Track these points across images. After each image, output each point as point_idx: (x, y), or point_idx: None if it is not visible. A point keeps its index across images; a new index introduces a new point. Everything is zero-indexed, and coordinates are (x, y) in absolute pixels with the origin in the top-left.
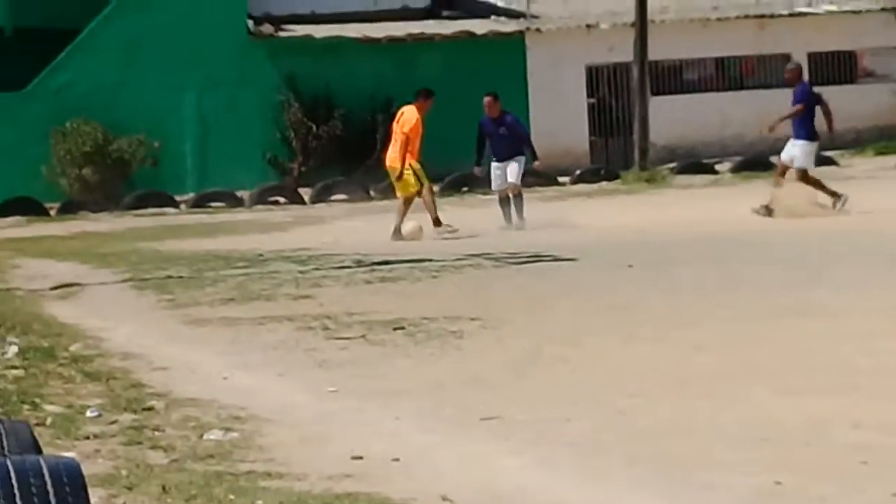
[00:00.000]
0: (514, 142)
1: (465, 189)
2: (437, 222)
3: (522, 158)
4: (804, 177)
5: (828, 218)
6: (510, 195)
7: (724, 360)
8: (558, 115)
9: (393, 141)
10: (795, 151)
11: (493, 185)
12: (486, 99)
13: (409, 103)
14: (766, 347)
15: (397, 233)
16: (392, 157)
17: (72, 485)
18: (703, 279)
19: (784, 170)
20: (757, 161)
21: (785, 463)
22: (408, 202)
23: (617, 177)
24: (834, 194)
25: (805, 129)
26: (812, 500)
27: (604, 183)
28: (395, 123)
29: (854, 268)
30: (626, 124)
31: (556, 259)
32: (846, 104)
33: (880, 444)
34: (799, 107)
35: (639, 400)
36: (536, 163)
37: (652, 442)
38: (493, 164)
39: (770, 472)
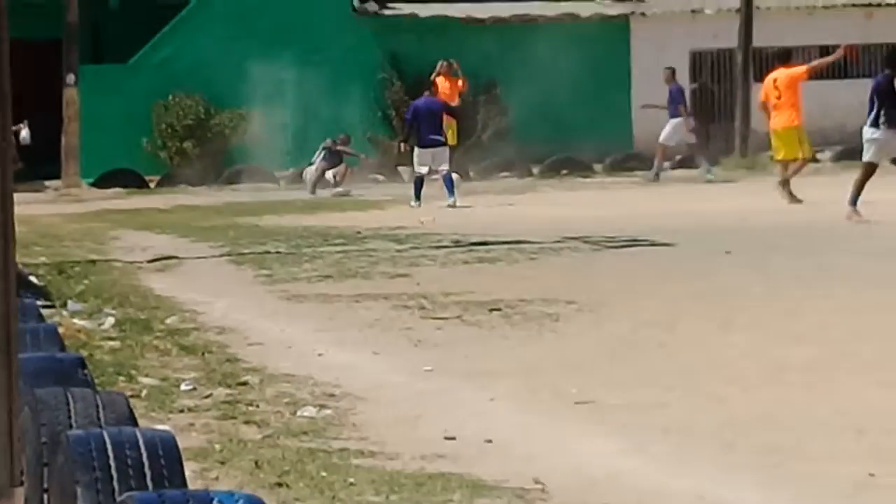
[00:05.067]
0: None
1: (564, 172)
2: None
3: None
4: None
5: None
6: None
7: (822, 350)
8: (661, 99)
9: (778, 105)
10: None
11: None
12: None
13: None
14: (865, 339)
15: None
16: (790, 117)
17: (167, 458)
18: (802, 268)
19: None
20: (858, 150)
21: (880, 455)
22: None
23: (717, 163)
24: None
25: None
26: None
27: None
28: (771, 88)
29: None
30: (727, 110)
31: (654, 244)
32: None
33: None
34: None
35: (735, 387)
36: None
37: (748, 430)
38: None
39: (865, 463)
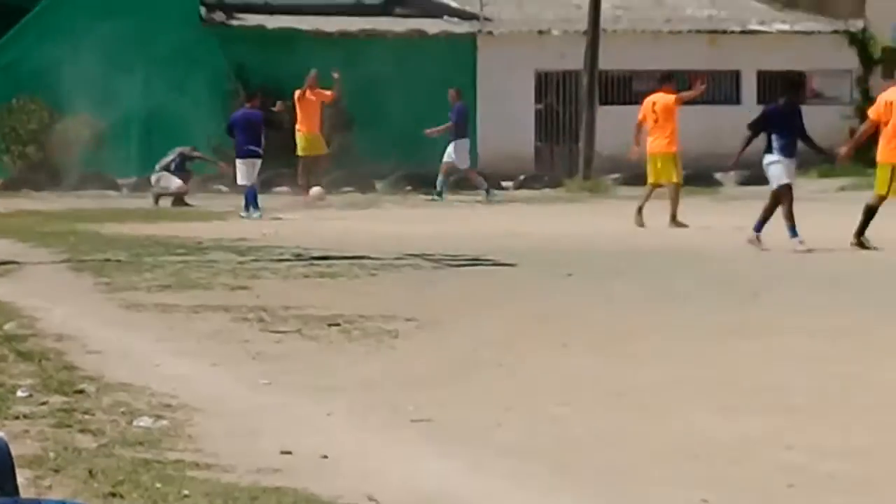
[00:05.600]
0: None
1: (408, 188)
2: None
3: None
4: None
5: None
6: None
7: (659, 374)
8: (505, 118)
9: (656, 129)
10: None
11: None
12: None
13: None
14: (702, 364)
15: (674, 220)
16: (667, 142)
17: None
18: (643, 292)
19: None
20: (701, 176)
21: (713, 481)
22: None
23: (560, 184)
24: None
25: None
26: None
27: (546, 189)
28: (650, 111)
29: (793, 289)
30: (572, 132)
31: (496, 263)
32: None
33: (810, 467)
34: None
35: (572, 409)
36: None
37: (583, 452)
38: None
39: (698, 489)
